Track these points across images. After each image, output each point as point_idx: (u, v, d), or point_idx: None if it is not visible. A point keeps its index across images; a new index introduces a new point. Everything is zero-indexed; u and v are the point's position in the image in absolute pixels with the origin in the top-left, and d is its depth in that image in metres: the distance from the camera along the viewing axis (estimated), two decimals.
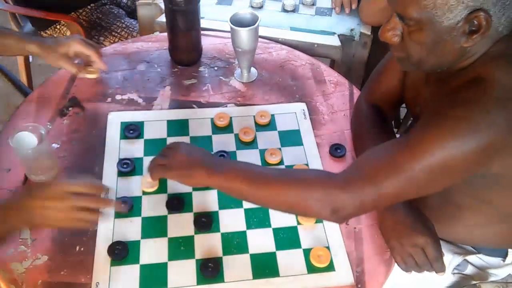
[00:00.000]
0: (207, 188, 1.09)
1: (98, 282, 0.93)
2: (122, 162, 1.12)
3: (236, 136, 1.21)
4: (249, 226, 1.03)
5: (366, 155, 0.91)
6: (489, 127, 0.79)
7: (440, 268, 0.98)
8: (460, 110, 0.82)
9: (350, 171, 0.90)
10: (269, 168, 1.02)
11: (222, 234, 1.02)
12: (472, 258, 1.14)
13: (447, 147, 0.81)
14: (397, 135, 1.24)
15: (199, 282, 0.95)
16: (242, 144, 1.19)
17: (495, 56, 0.85)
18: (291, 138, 1.21)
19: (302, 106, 1.29)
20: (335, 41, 1.55)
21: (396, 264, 1.00)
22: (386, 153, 0.88)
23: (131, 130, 1.19)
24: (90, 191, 0.92)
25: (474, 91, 0.83)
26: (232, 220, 1.04)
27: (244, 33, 1.23)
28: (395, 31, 0.88)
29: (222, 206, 1.06)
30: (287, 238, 1.02)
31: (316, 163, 1.15)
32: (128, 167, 1.11)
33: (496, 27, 0.80)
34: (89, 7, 1.93)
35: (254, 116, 1.25)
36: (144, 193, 1.08)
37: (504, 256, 1.12)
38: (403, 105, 1.20)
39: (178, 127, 1.22)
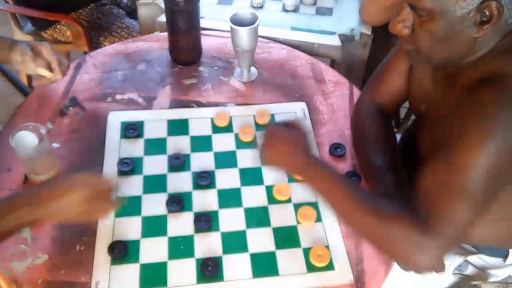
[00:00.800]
0: (207, 187, 1.09)
1: (98, 281, 0.93)
2: (122, 162, 1.12)
3: (236, 136, 1.21)
4: (248, 226, 1.03)
5: (421, 194, 0.87)
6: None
7: (440, 268, 0.98)
8: (484, 115, 0.81)
9: (420, 217, 0.85)
10: (361, 189, 0.95)
11: (222, 234, 1.02)
12: (472, 258, 1.14)
13: (485, 149, 0.80)
14: (398, 135, 1.23)
15: (199, 281, 0.95)
16: (242, 144, 1.19)
17: (504, 50, 0.86)
18: None
19: (302, 105, 1.29)
20: (335, 41, 1.55)
21: (396, 264, 1.00)
22: (436, 184, 0.85)
23: (131, 130, 1.19)
24: (103, 183, 0.90)
25: (491, 90, 0.83)
26: (231, 219, 1.04)
27: (244, 33, 1.23)
28: (406, 22, 0.88)
29: (222, 205, 1.06)
30: (286, 237, 1.02)
31: None
32: (128, 167, 1.11)
33: (506, 19, 0.81)
34: (89, 7, 1.93)
35: (254, 115, 1.25)
36: (145, 193, 1.08)
37: (505, 256, 1.12)
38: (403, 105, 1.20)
39: (178, 126, 1.22)
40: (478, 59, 0.88)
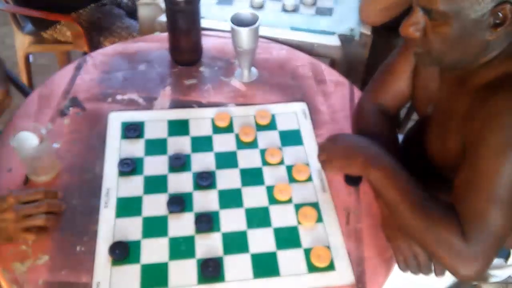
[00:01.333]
0: (207, 188, 1.09)
1: (99, 282, 0.94)
2: (122, 162, 1.12)
3: (237, 136, 1.21)
4: (249, 226, 1.03)
5: (461, 206, 0.89)
6: None
7: (441, 272, 0.98)
8: (501, 118, 0.82)
9: (465, 226, 0.87)
10: (416, 185, 0.94)
11: (223, 234, 1.02)
12: None
13: (510, 157, 0.81)
14: (399, 136, 1.24)
15: (199, 281, 0.95)
16: (243, 144, 1.19)
17: None
18: (291, 138, 1.21)
19: (302, 106, 1.29)
20: (335, 41, 1.55)
21: (396, 265, 1.00)
22: (469, 196, 0.87)
23: (132, 130, 1.19)
24: (36, 197, 0.97)
25: (509, 93, 0.83)
26: (232, 219, 1.04)
27: (244, 33, 1.23)
28: (418, 25, 0.88)
29: (223, 205, 1.06)
30: (287, 238, 1.02)
31: (316, 163, 1.15)
32: (129, 167, 1.11)
33: None
34: (89, 7, 1.93)
35: (254, 116, 1.25)
36: (145, 193, 1.08)
37: (506, 257, 1.12)
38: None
39: (179, 127, 1.22)
40: (490, 60, 0.88)
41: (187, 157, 1.15)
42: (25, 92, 1.85)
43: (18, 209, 0.95)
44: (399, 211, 0.93)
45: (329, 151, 1.03)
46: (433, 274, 0.99)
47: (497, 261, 1.13)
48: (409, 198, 0.92)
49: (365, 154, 0.98)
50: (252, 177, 1.12)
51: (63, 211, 1.03)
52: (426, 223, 0.89)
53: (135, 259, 0.97)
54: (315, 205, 1.07)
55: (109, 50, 1.44)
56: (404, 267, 0.98)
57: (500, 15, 0.80)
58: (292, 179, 1.12)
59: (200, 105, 1.29)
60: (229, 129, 1.22)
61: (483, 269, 0.87)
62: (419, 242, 0.93)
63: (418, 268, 0.97)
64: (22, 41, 2.00)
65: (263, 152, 1.17)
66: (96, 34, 1.90)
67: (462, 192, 0.88)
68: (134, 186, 1.09)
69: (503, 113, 0.82)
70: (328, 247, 1.01)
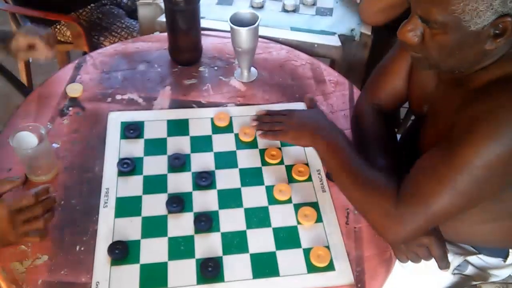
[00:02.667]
0: (207, 187, 1.09)
1: (98, 282, 0.93)
2: (122, 162, 1.12)
3: (236, 136, 1.21)
4: (249, 226, 1.03)
5: (412, 174, 0.92)
6: None
7: (445, 266, 0.98)
8: (497, 115, 0.82)
9: (402, 194, 0.91)
10: (358, 158, 1.02)
11: (222, 234, 1.02)
12: (472, 258, 1.14)
13: (487, 152, 0.81)
14: (397, 135, 1.24)
15: (199, 281, 0.95)
16: (242, 144, 1.19)
17: None
18: None
19: (302, 105, 1.29)
20: (335, 41, 1.55)
21: (396, 265, 1.00)
22: (430, 169, 0.88)
23: (131, 130, 1.19)
24: (29, 203, 0.93)
25: (504, 92, 0.83)
26: (232, 219, 1.04)
27: (244, 33, 1.23)
28: (416, 31, 0.87)
29: (222, 206, 1.06)
30: (287, 238, 1.02)
31: (316, 163, 1.15)
32: (129, 167, 1.11)
33: None
34: (89, 7, 1.93)
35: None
36: (145, 193, 1.08)
37: (505, 256, 1.12)
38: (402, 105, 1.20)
39: (178, 127, 1.22)
40: (488, 65, 0.88)
41: (187, 157, 1.15)
42: (25, 91, 1.85)
43: (14, 219, 0.91)
44: (340, 180, 1.02)
45: (284, 123, 1.13)
46: (432, 274, 0.99)
47: (496, 260, 1.13)
48: (350, 168, 0.99)
49: (314, 126, 1.09)
50: (251, 177, 1.12)
51: (58, 205, 1.03)
52: (364, 191, 0.96)
53: (135, 259, 0.97)
54: (314, 205, 1.07)
55: (109, 50, 1.44)
56: (405, 261, 0.98)
57: (501, 26, 0.80)
58: (291, 179, 1.12)
59: (200, 105, 1.29)
60: (228, 129, 1.22)
61: (409, 234, 0.91)
62: (358, 209, 1.01)
63: (418, 259, 0.97)
64: None
65: (262, 152, 1.17)
66: (96, 34, 1.91)
67: (423, 166, 0.91)
68: (133, 186, 1.09)
69: (499, 112, 0.82)
70: (328, 247, 1.01)
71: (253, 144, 1.19)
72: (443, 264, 0.98)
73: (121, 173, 1.11)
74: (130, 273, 0.95)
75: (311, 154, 1.17)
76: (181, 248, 0.99)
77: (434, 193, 0.86)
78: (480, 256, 1.13)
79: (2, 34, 1.29)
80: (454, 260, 1.13)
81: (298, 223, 1.05)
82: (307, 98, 1.27)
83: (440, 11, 0.80)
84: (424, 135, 1.05)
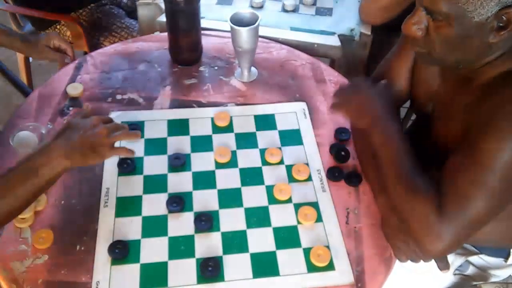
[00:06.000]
0: (207, 187, 1.09)
1: (98, 281, 0.94)
2: (122, 162, 1.12)
3: (236, 135, 1.21)
4: (249, 225, 1.03)
5: (443, 182, 0.90)
6: None
7: (444, 266, 0.98)
8: (509, 106, 0.82)
9: (442, 202, 0.88)
10: (408, 155, 0.97)
11: (222, 234, 1.02)
12: (474, 258, 1.14)
13: (510, 146, 0.81)
14: None
15: (199, 281, 0.95)
16: (242, 144, 1.19)
17: None
18: (291, 137, 1.21)
19: (302, 105, 1.29)
20: (335, 41, 1.55)
21: (395, 265, 1.00)
22: (460, 175, 0.87)
23: (132, 130, 1.18)
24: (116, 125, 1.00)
25: None
26: (232, 219, 1.04)
27: (244, 33, 1.23)
28: (420, 25, 0.87)
29: (222, 205, 1.06)
30: (287, 237, 1.02)
31: (316, 163, 1.15)
32: (129, 167, 1.11)
33: None
34: (89, 7, 1.93)
35: (254, 115, 1.25)
36: (145, 193, 1.08)
37: (506, 256, 1.12)
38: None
39: (179, 126, 1.22)
40: (493, 60, 0.88)
41: (187, 156, 1.15)
42: (25, 91, 1.85)
43: (107, 126, 0.96)
44: (385, 175, 0.97)
45: (345, 98, 1.08)
46: (432, 274, 0.99)
47: (497, 260, 1.13)
48: (397, 165, 0.95)
49: (373, 115, 1.02)
50: (251, 176, 1.12)
51: (58, 205, 1.05)
52: (406, 191, 0.91)
53: (135, 258, 0.97)
54: (314, 205, 1.07)
55: (109, 50, 1.44)
56: (404, 260, 0.98)
57: (504, 18, 0.80)
58: (291, 179, 1.12)
59: (200, 104, 1.29)
60: (229, 128, 1.22)
61: (449, 249, 0.89)
62: (397, 208, 0.95)
63: (418, 259, 0.97)
64: None
65: (263, 151, 1.17)
66: (96, 34, 1.91)
67: (451, 172, 0.89)
68: (133, 185, 1.09)
69: (505, 106, 0.82)
70: (328, 247, 1.01)
71: (253, 144, 1.19)
72: (442, 264, 0.98)
73: (121, 173, 1.11)
74: (130, 273, 0.95)
75: (311, 154, 1.17)
76: (181, 247, 0.99)
77: (468, 197, 0.84)
78: (482, 256, 1.13)
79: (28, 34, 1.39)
80: (456, 260, 1.13)
81: (298, 222, 1.05)
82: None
83: (444, 1, 0.81)
84: (432, 135, 1.04)
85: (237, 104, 1.29)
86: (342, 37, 1.56)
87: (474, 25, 0.81)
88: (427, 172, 0.95)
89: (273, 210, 1.06)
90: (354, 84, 1.11)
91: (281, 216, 1.05)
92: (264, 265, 0.98)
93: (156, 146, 1.17)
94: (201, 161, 1.14)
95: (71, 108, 1.25)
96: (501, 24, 0.81)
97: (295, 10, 1.66)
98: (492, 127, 0.83)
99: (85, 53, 1.85)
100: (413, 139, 1.13)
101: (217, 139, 1.20)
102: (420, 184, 0.91)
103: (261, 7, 1.67)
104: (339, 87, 1.14)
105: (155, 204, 1.06)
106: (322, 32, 1.57)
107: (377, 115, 1.02)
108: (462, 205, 0.85)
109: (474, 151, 0.85)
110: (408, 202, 0.91)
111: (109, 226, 1.02)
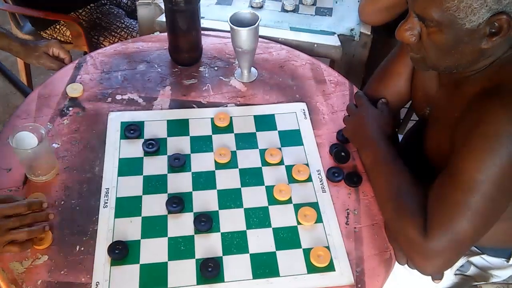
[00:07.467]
0: (207, 188, 1.09)
1: (98, 282, 0.93)
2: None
3: (236, 136, 1.21)
4: (249, 226, 1.03)
5: (429, 205, 0.90)
6: None
7: (437, 277, 0.98)
8: (489, 126, 0.82)
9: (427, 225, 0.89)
10: (399, 176, 0.99)
11: (222, 234, 1.02)
12: (475, 258, 1.14)
13: (487, 166, 0.81)
14: (399, 136, 1.23)
15: (199, 282, 0.95)
16: (242, 144, 1.19)
17: (511, 60, 0.86)
18: (291, 138, 1.21)
19: (302, 106, 1.29)
20: (335, 41, 1.55)
21: (395, 265, 1.00)
22: (442, 198, 0.87)
23: (131, 130, 1.19)
24: (19, 211, 0.94)
25: (498, 103, 0.83)
26: (232, 220, 1.04)
27: (244, 33, 1.23)
28: (413, 31, 0.88)
29: (222, 206, 1.06)
30: (287, 238, 1.02)
31: (316, 163, 1.15)
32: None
33: None
34: (89, 7, 1.93)
35: (254, 116, 1.25)
36: (145, 193, 1.08)
37: (508, 256, 1.12)
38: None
39: (178, 127, 1.22)
40: (485, 67, 0.88)
41: (187, 157, 1.15)
42: (25, 92, 1.85)
43: (1, 224, 0.91)
44: (376, 194, 1.04)
45: (348, 119, 1.16)
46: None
47: (498, 261, 1.13)
48: (385, 187, 0.99)
49: (365, 137, 1.09)
50: (251, 177, 1.12)
51: (58, 205, 1.03)
52: (393, 212, 0.94)
53: (134, 259, 0.97)
54: (314, 205, 1.07)
55: (109, 50, 1.44)
56: (404, 263, 0.98)
57: (496, 24, 0.80)
58: (291, 179, 1.12)
59: (200, 105, 1.29)
60: (229, 129, 1.22)
61: (441, 268, 0.90)
62: (388, 227, 1.01)
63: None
64: None
65: (262, 152, 1.17)
66: (95, 34, 1.90)
67: (437, 192, 0.89)
68: (133, 186, 1.09)
69: (490, 122, 0.82)
70: (328, 247, 1.01)
71: (253, 144, 1.19)
72: (436, 276, 0.98)
73: (121, 173, 1.10)
74: (130, 273, 0.95)
75: (311, 154, 1.17)
76: (181, 248, 0.99)
77: (450, 220, 0.85)
78: (483, 256, 1.13)
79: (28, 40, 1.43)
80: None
81: (298, 223, 1.04)
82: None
83: (435, 8, 0.81)
84: (426, 136, 1.05)
85: (237, 105, 1.29)
86: (342, 37, 1.56)
87: (465, 31, 0.81)
88: (422, 185, 0.95)
89: (273, 210, 1.06)
90: (357, 103, 1.18)
91: (281, 216, 1.05)
92: (264, 266, 0.98)
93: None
94: (201, 162, 1.14)
95: (70, 108, 1.24)
96: (493, 30, 0.81)
97: (295, 10, 1.66)
98: (467, 147, 0.83)
99: (85, 53, 1.85)
100: (413, 141, 1.13)
101: (217, 139, 1.20)
102: (408, 205, 0.93)
103: (261, 7, 1.67)
104: (347, 107, 1.21)
105: (154, 205, 1.06)
106: (322, 32, 1.57)
107: (369, 137, 1.08)
108: (446, 226, 0.85)
109: (456, 170, 0.85)
110: (396, 222, 0.94)
111: (109, 226, 1.02)
